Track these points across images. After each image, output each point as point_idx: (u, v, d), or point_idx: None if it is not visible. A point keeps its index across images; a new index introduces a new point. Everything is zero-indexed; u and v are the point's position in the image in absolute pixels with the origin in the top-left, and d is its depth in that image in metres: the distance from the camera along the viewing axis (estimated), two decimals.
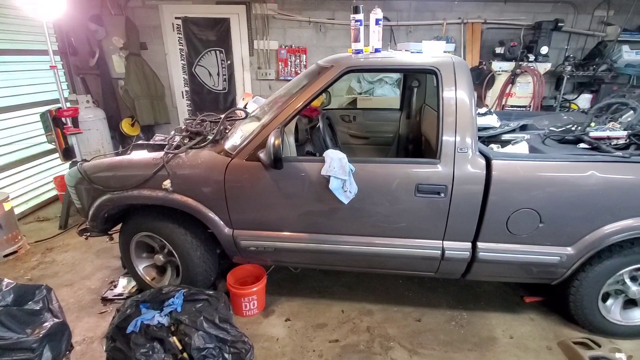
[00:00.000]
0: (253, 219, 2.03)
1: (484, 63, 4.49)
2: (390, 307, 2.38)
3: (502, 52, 4.24)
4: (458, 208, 1.84)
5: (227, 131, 2.19)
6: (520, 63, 4.19)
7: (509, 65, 4.23)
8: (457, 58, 1.88)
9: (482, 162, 1.80)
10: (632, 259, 1.91)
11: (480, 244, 1.93)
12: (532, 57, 4.20)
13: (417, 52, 1.97)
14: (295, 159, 1.90)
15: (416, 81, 3.05)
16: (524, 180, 1.78)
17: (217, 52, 4.71)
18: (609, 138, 2.14)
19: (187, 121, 2.20)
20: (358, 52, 1.96)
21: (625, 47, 4.55)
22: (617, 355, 1.90)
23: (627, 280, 2.01)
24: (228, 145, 2.00)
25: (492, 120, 2.44)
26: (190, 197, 2.00)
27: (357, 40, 1.93)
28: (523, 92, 4.26)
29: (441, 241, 1.95)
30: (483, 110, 2.56)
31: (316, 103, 2.84)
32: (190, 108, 4.96)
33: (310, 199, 1.93)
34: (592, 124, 2.34)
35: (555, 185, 1.77)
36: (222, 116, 2.07)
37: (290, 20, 4.51)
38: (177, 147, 2.07)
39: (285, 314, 2.31)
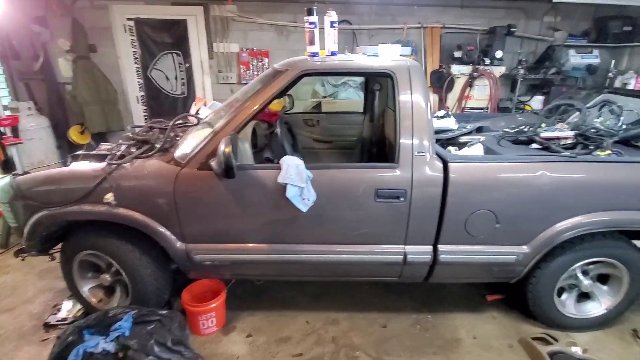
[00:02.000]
0: (207, 232, 1.91)
1: (443, 67, 4.60)
2: (356, 315, 2.33)
3: (460, 56, 4.38)
4: (418, 212, 1.83)
5: (178, 139, 2.06)
6: (477, 67, 4.34)
7: (467, 69, 4.36)
8: (412, 61, 1.87)
9: (440, 165, 1.79)
10: (583, 255, 1.98)
11: (440, 247, 1.93)
12: (488, 61, 4.36)
13: (374, 56, 1.95)
14: (251, 166, 1.81)
15: (378, 84, 3.05)
16: (479, 181, 1.79)
17: (174, 55, 4.51)
18: (557, 138, 2.22)
19: (134, 129, 2.04)
20: (314, 55, 1.90)
21: (572, 52, 4.84)
22: (573, 349, 1.95)
23: (580, 275, 2.09)
24: (178, 153, 1.87)
25: (450, 123, 2.47)
26: (136, 210, 1.85)
27: (312, 43, 1.87)
28: (481, 95, 4.41)
29: (403, 246, 1.93)
30: (441, 113, 2.59)
31: (276, 107, 2.76)
32: (146, 114, 4.71)
33: (268, 208, 1.84)
34: (543, 125, 2.43)
35: (508, 185, 1.80)
36: (171, 123, 1.94)
37: (251, 22, 4.40)
38: (122, 156, 1.91)
39: (246, 330, 2.19)
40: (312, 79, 4.52)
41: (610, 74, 4.76)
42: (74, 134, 4.45)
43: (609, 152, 2.01)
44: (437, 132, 2.52)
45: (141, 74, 4.58)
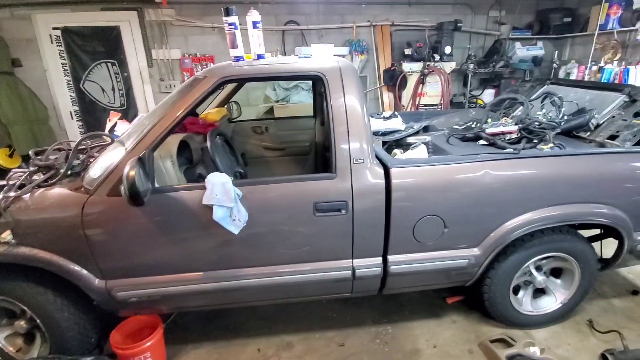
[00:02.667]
0: (129, 265, 1.67)
1: (395, 65, 4.57)
2: (312, 335, 2.17)
3: (411, 53, 4.35)
4: (362, 223, 1.70)
5: (91, 161, 1.81)
6: (427, 63, 4.33)
7: (418, 66, 4.35)
8: (345, 62, 1.74)
9: (381, 171, 1.67)
10: (534, 251, 1.94)
11: (390, 257, 1.81)
12: (437, 57, 4.37)
13: (306, 57, 1.80)
14: (170, 188, 1.60)
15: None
16: (423, 186, 1.69)
17: (109, 64, 4.17)
18: (502, 133, 2.18)
19: (36, 153, 1.76)
20: (238, 59, 1.72)
21: (518, 44, 4.98)
22: (532, 349, 1.90)
23: (534, 271, 2.05)
24: (87, 179, 1.63)
25: (397, 124, 2.38)
26: (41, 248, 1.59)
27: (234, 46, 1.69)
28: (433, 91, 4.41)
29: (350, 260, 1.79)
30: (387, 113, 2.49)
31: (214, 117, 2.55)
32: (83, 130, 4.32)
33: (196, 233, 1.64)
34: (489, 120, 2.40)
35: (453, 188, 1.71)
36: (75, 143, 1.69)
37: (191, 26, 4.14)
38: (22, 186, 1.64)
39: None
40: (261, 83, 4.34)
41: (554, 64, 4.93)
42: (1, 158, 3.99)
43: (551, 145, 1.98)
44: (384, 134, 2.42)
45: (73, 87, 4.19)
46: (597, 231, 2.15)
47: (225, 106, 2.96)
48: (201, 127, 2.24)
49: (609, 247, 2.11)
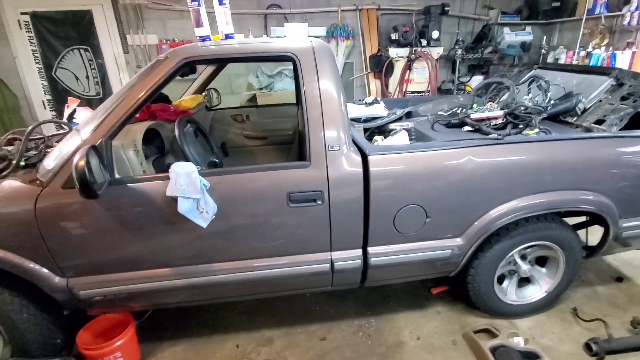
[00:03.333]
0: (91, 262, 1.57)
1: (381, 50, 4.44)
2: (293, 330, 2.10)
3: (397, 38, 4.23)
4: (340, 214, 1.61)
5: (48, 152, 1.68)
6: (414, 49, 4.21)
7: (405, 51, 4.23)
8: (319, 42, 1.62)
9: (358, 158, 1.58)
10: (519, 240, 1.88)
11: (370, 249, 1.73)
12: (424, 42, 4.25)
13: (278, 37, 1.68)
14: (132, 179, 1.49)
15: None
16: (403, 174, 1.61)
17: (82, 50, 3.96)
18: (488, 119, 2.11)
19: None
20: (204, 39, 1.60)
21: (507, 30, 4.88)
22: (515, 340, 1.86)
23: (518, 260, 2.00)
24: (41, 170, 1.51)
25: (379, 110, 2.28)
26: None
27: (198, 24, 1.57)
28: (421, 78, 4.31)
29: (329, 252, 1.71)
30: (370, 99, 2.39)
31: (188, 104, 2.42)
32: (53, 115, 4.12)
33: (162, 228, 1.53)
34: (474, 106, 2.31)
35: (434, 176, 1.63)
36: (27, 131, 1.56)
37: (169, 10, 3.95)
38: None
39: None
40: (243, 69, 4.18)
41: (542, 50, 4.85)
42: None
43: (537, 130, 1.91)
44: (366, 120, 2.32)
45: (45, 74, 3.98)
46: (582, 218, 2.12)
47: (203, 94, 2.82)
48: (173, 115, 2.11)
49: (593, 234, 2.07)
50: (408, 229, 1.70)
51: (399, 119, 2.28)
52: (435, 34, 4.21)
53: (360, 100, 2.43)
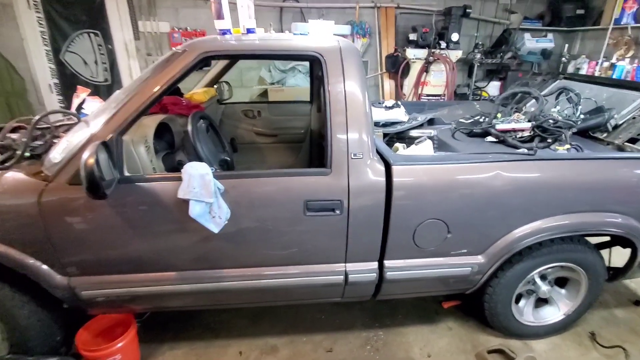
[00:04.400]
0: (95, 262, 1.49)
1: (398, 50, 4.32)
2: (298, 338, 2.02)
3: (416, 38, 4.11)
4: (358, 225, 1.53)
5: (55, 143, 1.59)
6: (433, 50, 4.09)
7: (423, 53, 4.11)
8: (346, 42, 1.52)
9: (382, 168, 1.49)
10: (541, 261, 1.79)
11: (387, 263, 1.65)
12: (443, 45, 4.13)
13: (301, 35, 1.58)
14: (142, 178, 1.40)
15: None
16: (428, 186, 1.51)
17: (92, 35, 3.86)
18: (514, 130, 2.01)
19: None
20: (224, 32, 1.50)
21: (527, 35, 4.74)
22: None
23: (538, 280, 1.92)
24: (47, 163, 1.43)
25: (400, 114, 2.18)
26: None
27: (220, 16, 1.47)
28: (437, 81, 4.19)
29: (343, 264, 1.63)
30: (390, 102, 2.29)
31: (201, 97, 2.33)
32: (63, 105, 4.04)
33: (171, 230, 1.45)
34: (499, 115, 2.21)
35: (460, 190, 1.53)
36: (33, 121, 1.47)
37: None
38: None
39: None
40: (255, 63, 4.08)
41: (563, 58, 4.72)
42: None
43: (568, 146, 1.81)
44: (385, 125, 2.23)
45: (52, 58, 3.89)
46: (605, 238, 2.02)
47: (215, 86, 2.73)
48: (184, 109, 2.02)
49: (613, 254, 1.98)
50: (428, 243, 1.62)
51: (420, 126, 2.18)
52: (455, 37, 4.09)
53: (379, 103, 2.33)
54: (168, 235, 1.46)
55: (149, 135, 1.62)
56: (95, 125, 1.38)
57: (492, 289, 1.84)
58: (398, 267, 1.66)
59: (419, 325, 2.13)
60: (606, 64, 4.08)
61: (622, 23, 4.04)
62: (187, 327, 2.09)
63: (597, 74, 4.14)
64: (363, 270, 1.64)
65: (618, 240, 1.93)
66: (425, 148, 1.71)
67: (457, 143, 2.08)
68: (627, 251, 1.88)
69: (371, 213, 1.51)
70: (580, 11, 4.59)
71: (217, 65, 2.63)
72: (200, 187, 1.34)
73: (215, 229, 1.39)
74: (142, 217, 1.42)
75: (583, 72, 4.34)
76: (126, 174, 1.40)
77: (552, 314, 2.00)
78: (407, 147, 1.84)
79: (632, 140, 1.91)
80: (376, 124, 2.24)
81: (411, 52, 4.10)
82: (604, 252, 1.99)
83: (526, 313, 1.98)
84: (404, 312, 2.22)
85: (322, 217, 1.49)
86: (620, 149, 1.91)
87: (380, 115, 2.23)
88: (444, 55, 4.10)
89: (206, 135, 1.84)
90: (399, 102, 2.29)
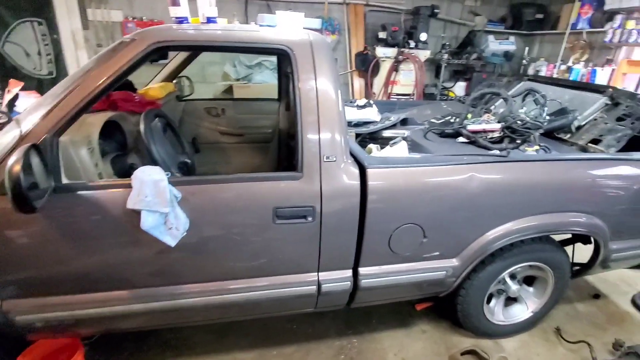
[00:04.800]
0: (32, 282, 1.29)
1: (368, 48, 4.28)
2: (267, 352, 1.90)
3: (385, 37, 4.08)
4: (331, 232, 1.43)
5: None
6: (402, 49, 4.09)
7: (392, 52, 4.09)
8: (317, 35, 1.42)
9: (356, 171, 1.40)
10: (512, 261, 1.80)
11: (362, 270, 1.57)
12: (412, 44, 4.14)
13: (269, 26, 1.45)
14: (82, 185, 1.22)
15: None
16: (404, 190, 1.45)
17: (35, 23, 3.46)
18: (485, 131, 2.00)
19: None
20: (181, 20, 1.35)
21: (491, 37, 4.88)
22: None
23: (508, 280, 1.93)
24: None
25: (372, 114, 2.11)
26: None
27: (175, 2, 1.31)
28: (407, 80, 4.20)
29: (316, 273, 1.53)
30: (362, 102, 2.21)
31: (157, 93, 2.12)
32: (0, 100, 3.60)
33: (120, 244, 1.28)
34: (469, 116, 2.20)
35: (436, 193, 1.49)
36: None
37: None
38: None
39: None
40: (218, 57, 3.86)
41: (524, 61, 4.91)
42: None
43: (537, 147, 1.83)
44: (357, 124, 2.15)
45: None
46: (566, 235, 2.08)
47: (174, 81, 2.52)
48: (137, 106, 1.83)
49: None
50: (404, 249, 1.56)
51: (393, 126, 2.12)
52: (423, 36, 4.11)
53: (351, 102, 2.25)
54: (117, 250, 1.28)
55: (93, 136, 1.43)
56: (26, 124, 1.18)
57: (464, 291, 1.83)
58: (373, 274, 1.58)
59: (393, 330, 2.09)
60: (563, 67, 4.28)
61: (578, 28, 4.25)
62: (145, 345, 1.90)
63: (555, 76, 4.33)
64: (337, 279, 1.55)
65: (579, 237, 1.99)
66: (400, 149, 1.64)
67: (429, 144, 2.05)
68: (589, 247, 1.94)
69: (345, 219, 1.42)
70: (539, 15, 4.79)
71: (176, 58, 2.43)
72: (153, 195, 1.18)
73: (171, 242, 1.24)
74: (85, 230, 1.24)
75: (542, 74, 4.54)
76: (64, 181, 1.21)
77: (521, 312, 2.03)
78: (381, 148, 1.77)
79: (595, 141, 1.97)
80: (348, 124, 2.16)
81: (381, 51, 4.07)
82: (568, 249, 2.05)
83: (497, 313, 1.99)
84: (377, 316, 2.17)
85: (293, 225, 1.38)
86: (584, 149, 1.96)
87: (352, 114, 2.15)
88: (413, 54, 4.11)
89: (162, 136, 1.66)
90: (371, 101, 2.23)
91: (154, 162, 1.45)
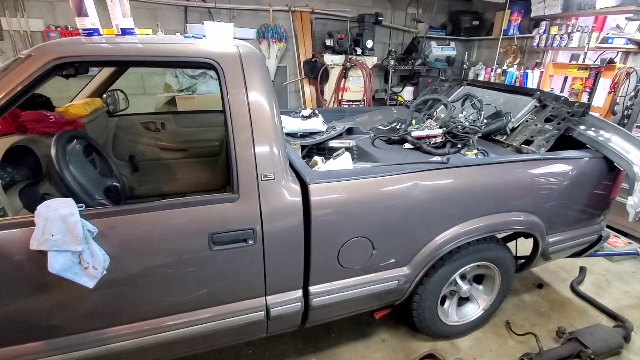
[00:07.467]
0: None
1: (316, 56, 4.27)
2: None
3: (332, 44, 4.10)
4: (276, 253, 1.35)
5: None
6: (349, 56, 4.13)
7: (340, 59, 4.12)
8: (247, 46, 1.34)
9: (297, 188, 1.34)
10: (461, 263, 1.84)
11: (312, 289, 1.51)
12: (359, 51, 4.19)
13: (194, 37, 1.35)
14: None
15: None
16: (348, 203, 1.41)
17: None
18: (428, 137, 2.04)
19: None
20: (90, 33, 1.20)
21: (434, 43, 5.09)
22: None
23: (459, 281, 1.96)
24: None
25: (317, 124, 2.07)
26: None
27: (81, 13, 1.17)
28: (356, 87, 4.24)
29: (263, 298, 1.44)
30: (307, 112, 2.17)
31: (78, 111, 1.91)
32: None
33: (31, 290, 1.11)
34: (413, 122, 2.24)
35: (381, 204, 1.46)
36: None
37: None
38: None
39: None
40: (159, 69, 3.64)
41: (465, 65, 5.18)
42: None
43: (475, 151, 1.89)
44: (303, 135, 2.10)
45: None
46: (508, 233, 2.17)
47: (104, 96, 2.31)
48: (53, 126, 1.62)
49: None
50: (354, 262, 1.52)
51: (339, 135, 2.09)
52: (369, 43, 4.18)
53: (296, 112, 2.19)
54: (23, 298, 1.10)
55: None
56: None
57: (418, 296, 1.83)
58: (324, 291, 1.53)
59: (353, 342, 2.04)
60: (499, 70, 4.57)
61: (509, 34, 4.56)
62: None
63: (492, 79, 4.61)
64: (286, 301, 1.47)
65: (520, 233, 2.08)
66: (343, 162, 1.61)
67: (376, 151, 2.05)
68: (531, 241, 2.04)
69: (289, 239, 1.35)
70: (475, 22, 5.09)
71: (103, 71, 2.22)
72: (61, 233, 1.03)
73: (89, 282, 1.09)
74: None
75: (481, 77, 4.81)
76: None
77: (473, 311, 2.08)
78: (327, 159, 1.72)
79: (527, 142, 2.08)
80: (294, 135, 2.10)
81: (329, 58, 4.08)
82: (512, 245, 2.14)
83: (451, 314, 2.03)
84: (337, 330, 2.12)
85: (233, 250, 1.28)
86: (518, 150, 2.06)
87: (298, 125, 2.10)
88: (361, 61, 4.16)
89: (83, 159, 1.49)
90: (316, 111, 2.19)
91: (69, 191, 1.28)
